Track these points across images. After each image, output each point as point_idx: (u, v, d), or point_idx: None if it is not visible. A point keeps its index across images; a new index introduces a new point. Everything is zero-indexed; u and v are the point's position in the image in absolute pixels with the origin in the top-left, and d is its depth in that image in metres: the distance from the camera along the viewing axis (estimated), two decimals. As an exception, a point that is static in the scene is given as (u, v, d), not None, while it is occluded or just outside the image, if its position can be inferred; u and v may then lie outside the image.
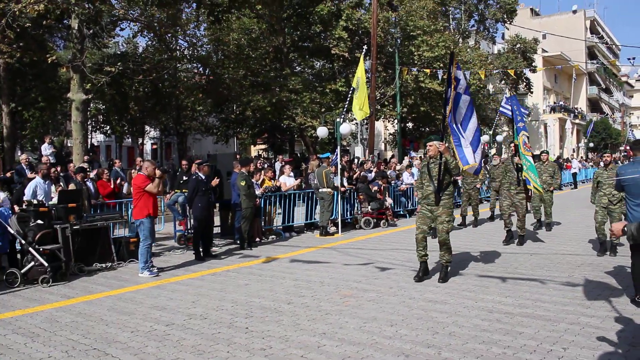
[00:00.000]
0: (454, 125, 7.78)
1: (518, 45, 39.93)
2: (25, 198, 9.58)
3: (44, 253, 8.19)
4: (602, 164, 10.16)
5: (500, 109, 26.02)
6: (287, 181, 13.69)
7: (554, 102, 53.11)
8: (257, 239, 11.99)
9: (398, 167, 18.02)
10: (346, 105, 20.26)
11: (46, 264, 8.07)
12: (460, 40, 36.57)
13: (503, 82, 41.06)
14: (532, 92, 44.61)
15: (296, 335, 5.48)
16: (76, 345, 5.35)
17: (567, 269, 8.43)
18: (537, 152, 41.30)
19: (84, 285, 8.10)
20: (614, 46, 71.63)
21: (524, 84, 42.10)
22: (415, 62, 26.84)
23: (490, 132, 29.57)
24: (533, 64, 39.97)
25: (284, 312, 6.36)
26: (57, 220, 8.90)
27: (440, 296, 6.95)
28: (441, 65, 26.06)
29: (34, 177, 10.59)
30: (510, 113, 24.65)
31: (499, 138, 31.50)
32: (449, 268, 8.00)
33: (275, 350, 5.07)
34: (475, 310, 6.26)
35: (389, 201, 14.95)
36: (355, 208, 14.55)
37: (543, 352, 4.88)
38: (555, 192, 13.39)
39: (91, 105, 27.80)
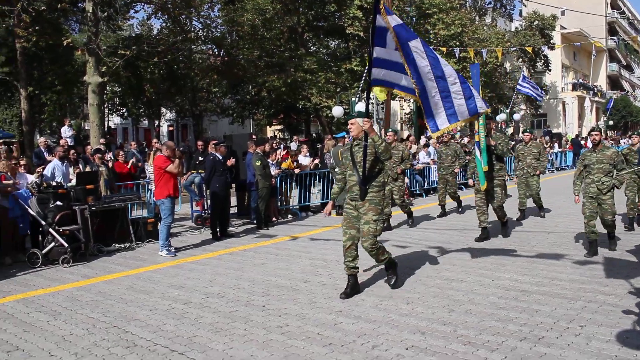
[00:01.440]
0: (421, 84, 6.08)
1: (536, 22, 39.25)
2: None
3: (64, 234, 8.30)
4: (589, 143, 9.15)
5: (518, 87, 25.79)
6: (303, 161, 13.69)
7: (573, 80, 52.33)
8: (274, 219, 12.05)
9: (414, 147, 17.92)
10: (361, 85, 20.19)
11: (66, 245, 8.19)
12: (477, 17, 36.07)
13: (520, 60, 40.45)
14: (550, 70, 43.92)
15: (313, 313, 5.52)
16: (96, 323, 5.44)
17: (584, 247, 8.36)
18: (555, 131, 40.68)
19: (103, 265, 8.22)
20: (635, 21, 70.16)
21: (542, 61, 41.44)
22: (431, 40, 26.54)
23: (507, 111, 29.22)
24: (551, 41, 39.28)
25: (301, 291, 6.40)
26: (76, 202, 9.01)
27: (456, 274, 6.95)
28: (457, 43, 25.77)
29: (52, 160, 10.70)
30: (528, 91, 24.48)
31: (517, 117, 31.11)
32: (393, 264, 6.50)
33: (292, 328, 5.11)
34: (491, 288, 6.25)
35: (405, 180, 14.89)
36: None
37: (560, 330, 4.87)
38: (555, 174, 12.89)
39: (107, 87, 27.93)
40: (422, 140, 20.34)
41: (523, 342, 4.62)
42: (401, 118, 38.27)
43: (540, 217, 11.48)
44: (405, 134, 34.58)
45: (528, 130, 11.95)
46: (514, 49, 32.89)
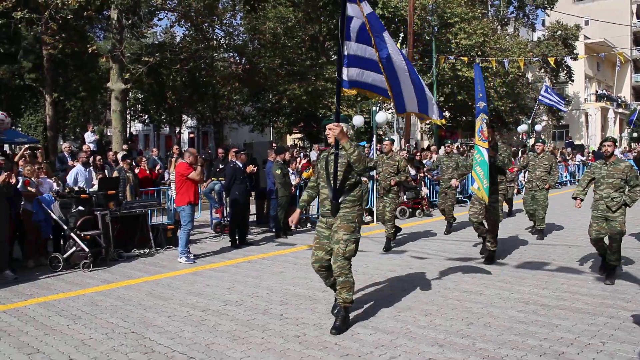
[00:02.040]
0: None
1: (559, 32, 38.93)
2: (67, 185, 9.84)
3: (85, 239, 8.40)
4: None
5: (540, 97, 25.57)
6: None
7: (596, 91, 51.72)
8: (293, 227, 12.04)
9: (435, 157, 17.84)
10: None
11: (87, 249, 8.28)
12: (499, 27, 35.88)
13: (543, 70, 40.12)
14: (572, 81, 43.47)
15: (330, 323, 5.50)
16: (115, 328, 5.49)
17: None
18: (577, 143, 40.14)
19: (123, 270, 8.29)
20: (660, 32, 69.21)
21: (565, 72, 41.06)
22: (453, 50, 26.48)
23: (529, 122, 28.98)
24: (574, 52, 38.93)
25: (319, 300, 6.40)
26: (98, 207, 9.11)
27: (475, 287, 6.89)
28: (479, 53, 25.65)
29: (75, 165, 10.85)
30: (550, 102, 24.25)
31: (538, 127, 30.80)
32: (348, 311, 5.47)
33: (310, 337, 5.11)
34: (511, 302, 6.18)
35: (424, 191, 14.83)
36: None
37: (580, 346, 4.80)
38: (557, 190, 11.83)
39: (130, 94, 28.28)
40: (442, 150, 20.24)
41: (543, 357, 4.56)
42: (421, 128, 38.15)
43: (536, 239, 10.41)
44: (425, 143, 34.45)
45: (541, 140, 11.17)
46: (536, 59, 32.60)
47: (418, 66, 26.87)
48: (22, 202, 8.55)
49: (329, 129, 5.18)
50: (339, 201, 5.32)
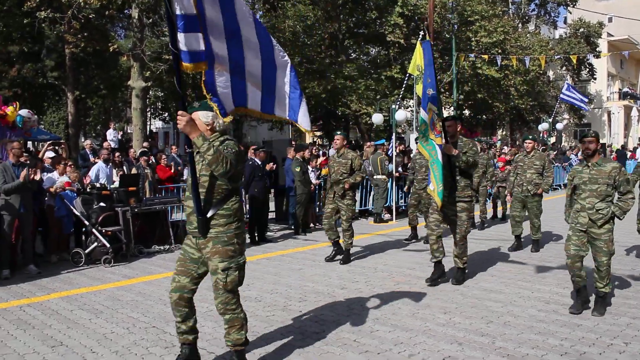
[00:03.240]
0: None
1: (581, 30, 38.38)
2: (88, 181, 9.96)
3: (106, 234, 8.50)
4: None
5: (561, 96, 25.28)
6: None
7: (619, 89, 50.98)
8: (312, 225, 12.08)
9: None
10: (401, 92, 20.08)
11: (108, 245, 8.38)
12: (520, 25, 35.53)
13: (564, 68, 39.62)
14: (595, 79, 42.88)
15: (349, 320, 5.51)
16: (136, 322, 5.55)
17: (629, 261, 8.13)
18: (600, 142, 39.92)
19: (143, 266, 8.37)
20: (685, 30, 68.00)
21: (587, 70, 40.52)
22: (473, 48, 26.28)
23: (550, 120, 28.67)
24: (597, 49, 38.40)
25: (338, 297, 6.40)
26: (118, 203, 9.21)
27: (495, 285, 6.84)
28: (499, 51, 25.42)
29: (97, 162, 10.98)
30: (571, 100, 23.93)
31: (559, 126, 30.46)
32: (243, 355, 4.35)
33: (329, 334, 5.12)
34: (531, 301, 6.13)
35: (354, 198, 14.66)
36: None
37: (602, 346, 4.75)
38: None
39: (150, 92, 28.52)
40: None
41: (564, 356, 4.52)
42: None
43: (531, 250, 9.13)
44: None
45: (530, 137, 9.51)
46: (558, 57, 32.24)
47: (438, 64, 26.70)
48: (46, 198, 8.68)
49: (177, 120, 3.95)
50: (208, 216, 4.06)
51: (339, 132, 8.83)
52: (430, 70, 6.88)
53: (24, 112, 10.41)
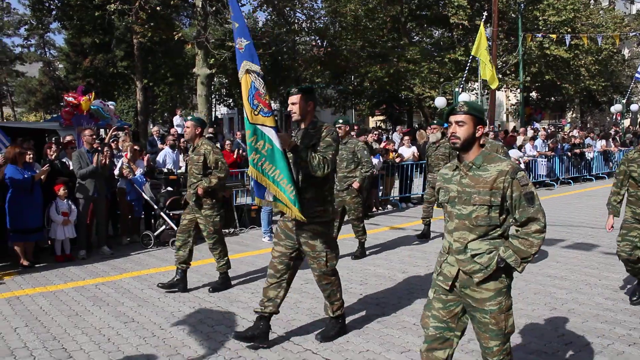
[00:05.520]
0: None
1: (661, 4, 36.34)
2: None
3: (174, 218, 8.81)
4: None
5: (637, 75, 24.06)
6: (405, 152, 13.62)
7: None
8: (374, 209, 12.10)
9: (521, 138, 17.26)
10: (465, 75, 19.71)
11: (176, 228, 8.68)
12: (592, 1, 33.95)
13: (640, 45, 37.64)
14: (675, 56, 40.57)
15: (409, 303, 5.53)
16: (202, 302, 5.77)
17: None
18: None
19: (209, 248, 8.62)
20: None
21: (666, 47, 38.36)
22: (540, 27, 25.36)
23: (624, 102, 27.34)
24: (678, 25, 36.25)
25: (398, 281, 6.42)
26: (185, 188, 9.50)
27: (560, 272, 6.68)
28: (569, 30, 24.40)
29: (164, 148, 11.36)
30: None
31: (634, 107, 29.04)
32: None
33: (388, 317, 5.16)
34: (598, 288, 5.95)
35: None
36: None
37: (674, 334, 4.58)
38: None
39: (215, 79, 29.13)
40: (530, 132, 19.55)
41: (632, 347, 4.38)
42: (507, 109, 36.92)
43: None
44: (511, 125, 33.34)
45: (342, 121, 7.69)
46: (634, 33, 30.58)
47: (503, 45, 25.93)
48: (118, 182, 9.09)
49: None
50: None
51: (341, 120, 7.72)
52: (238, 13, 4.72)
53: (96, 102, 10.93)
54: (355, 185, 7.56)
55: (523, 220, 2.99)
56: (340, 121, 7.66)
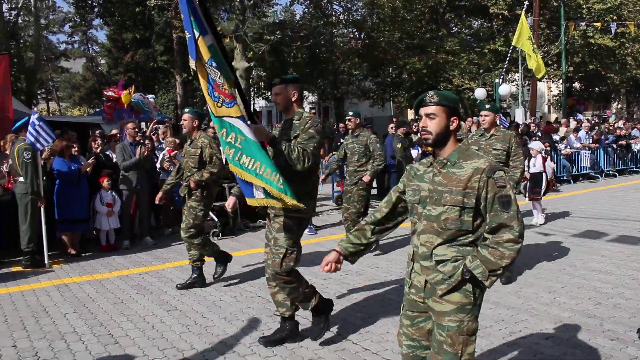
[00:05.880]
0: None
1: None
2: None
3: (215, 209, 8.93)
4: None
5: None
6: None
7: None
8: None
9: (563, 129, 16.89)
10: (505, 65, 19.37)
11: (216, 219, 8.83)
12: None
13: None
14: None
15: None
16: (243, 292, 5.86)
17: None
18: None
19: (248, 239, 8.75)
20: None
21: None
22: (584, 15, 24.67)
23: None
24: None
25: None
26: (225, 180, 9.63)
27: (605, 266, 6.52)
28: (614, 17, 23.67)
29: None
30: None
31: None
32: None
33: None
34: (645, 282, 5.81)
35: (551, 166, 14.12)
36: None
37: None
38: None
39: (253, 72, 29.33)
40: (572, 124, 19.12)
41: (680, 340, 4.27)
42: (549, 100, 36.13)
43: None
44: (553, 117, 32.63)
45: (352, 113, 7.59)
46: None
47: (545, 35, 25.34)
48: (161, 174, 9.27)
49: None
50: None
51: (351, 112, 7.57)
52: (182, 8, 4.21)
53: (136, 96, 11.16)
54: (366, 178, 7.30)
55: (494, 227, 2.65)
56: (350, 113, 7.50)
